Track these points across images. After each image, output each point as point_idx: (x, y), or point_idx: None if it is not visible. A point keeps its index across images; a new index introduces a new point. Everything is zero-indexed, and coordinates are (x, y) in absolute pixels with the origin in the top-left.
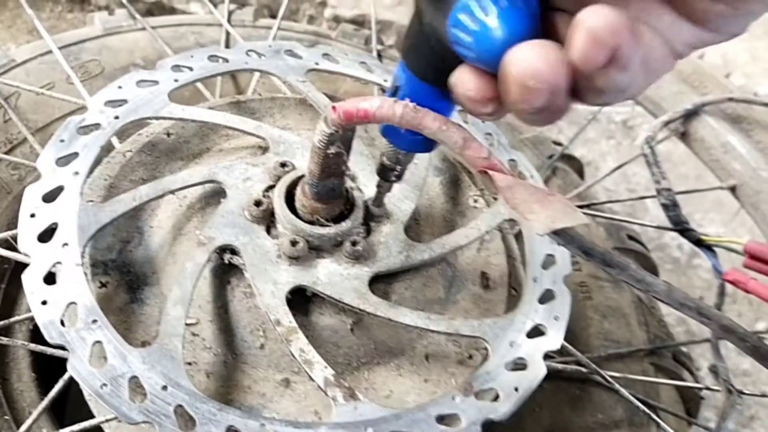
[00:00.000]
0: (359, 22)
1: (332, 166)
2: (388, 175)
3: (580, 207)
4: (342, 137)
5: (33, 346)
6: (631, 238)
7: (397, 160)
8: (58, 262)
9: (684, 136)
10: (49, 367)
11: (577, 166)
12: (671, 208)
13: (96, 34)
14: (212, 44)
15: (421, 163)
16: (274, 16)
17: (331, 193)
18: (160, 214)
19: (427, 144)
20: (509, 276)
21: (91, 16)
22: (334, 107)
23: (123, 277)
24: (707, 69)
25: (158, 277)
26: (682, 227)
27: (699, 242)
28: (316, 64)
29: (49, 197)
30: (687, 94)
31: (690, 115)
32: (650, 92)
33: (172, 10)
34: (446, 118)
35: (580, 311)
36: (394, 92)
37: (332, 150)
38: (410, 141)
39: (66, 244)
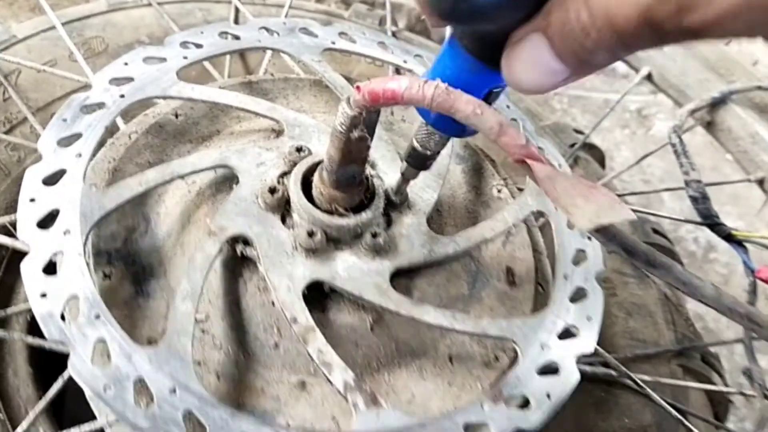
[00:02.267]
0: (370, 2)
1: (354, 151)
2: (418, 161)
3: None
4: (366, 120)
5: (31, 339)
6: (656, 231)
7: (430, 144)
8: (59, 252)
9: (710, 126)
10: (47, 362)
11: (599, 156)
12: (701, 200)
13: (100, 9)
14: (220, 21)
15: (444, 149)
16: None
17: (351, 180)
18: (167, 200)
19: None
20: (536, 271)
21: None
22: (358, 87)
23: (128, 268)
24: (734, 56)
25: (165, 269)
26: (711, 221)
27: (729, 237)
28: (333, 43)
29: (51, 180)
30: (713, 82)
31: (717, 103)
32: (675, 80)
33: None
34: (481, 101)
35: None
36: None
37: (355, 134)
38: (452, 123)
39: (68, 232)
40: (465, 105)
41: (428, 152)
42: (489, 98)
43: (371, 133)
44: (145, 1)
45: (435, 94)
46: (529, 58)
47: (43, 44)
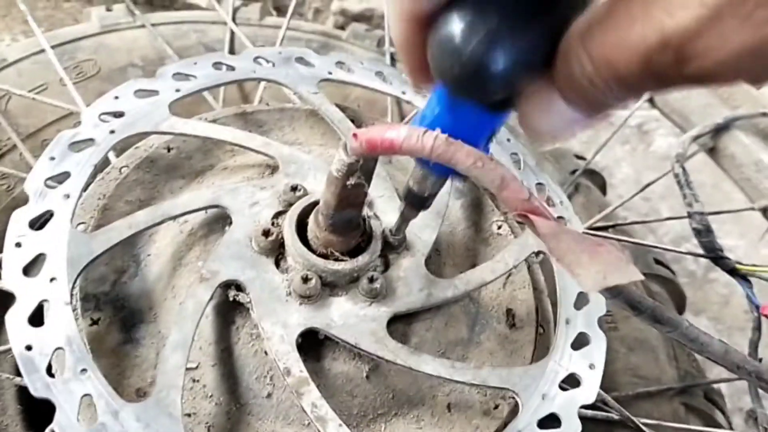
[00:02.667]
0: (367, 16)
1: (350, 197)
2: (416, 201)
3: (603, 228)
4: (363, 167)
5: (19, 380)
6: (658, 262)
7: (426, 185)
8: (45, 300)
9: (712, 152)
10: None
11: (600, 182)
12: (704, 233)
13: (92, 31)
14: (216, 43)
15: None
16: (279, 8)
17: (348, 224)
18: (158, 241)
19: None
20: (536, 312)
21: (87, 12)
22: (355, 135)
23: (116, 313)
24: None
25: (155, 314)
26: (715, 254)
27: (733, 271)
28: (330, 73)
29: (37, 224)
30: (716, 107)
31: (720, 129)
32: (678, 104)
33: (173, 0)
34: (481, 153)
35: None
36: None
37: (352, 181)
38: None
39: (54, 279)
40: (465, 157)
41: (425, 193)
42: (489, 138)
43: (368, 180)
44: (139, 23)
45: (435, 145)
46: (546, 109)
47: (34, 68)
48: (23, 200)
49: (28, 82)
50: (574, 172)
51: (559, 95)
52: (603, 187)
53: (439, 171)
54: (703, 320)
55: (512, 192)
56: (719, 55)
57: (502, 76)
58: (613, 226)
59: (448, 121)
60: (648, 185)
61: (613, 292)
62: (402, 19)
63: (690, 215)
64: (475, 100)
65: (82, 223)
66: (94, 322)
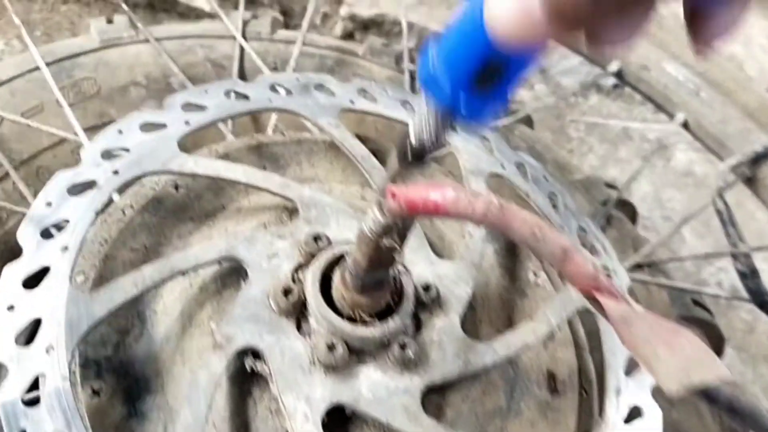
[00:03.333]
0: (378, 22)
1: (383, 257)
2: (415, 156)
3: (639, 267)
4: (399, 228)
5: None
6: (696, 303)
7: (435, 137)
8: (41, 374)
9: (750, 182)
10: None
11: (630, 212)
12: (749, 276)
13: (92, 46)
14: (224, 60)
15: (477, 233)
16: (285, 12)
17: (378, 285)
18: (165, 296)
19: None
20: (579, 373)
21: (87, 24)
22: (393, 194)
23: (120, 382)
24: None
25: (163, 382)
26: (762, 299)
27: None
28: (351, 102)
29: (32, 282)
30: (755, 133)
31: (759, 158)
32: (713, 129)
33: (175, 3)
34: (540, 221)
35: None
36: None
37: (386, 242)
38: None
39: (51, 348)
40: (522, 226)
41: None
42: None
43: (404, 240)
44: (142, 37)
45: (487, 212)
46: None
47: (28, 87)
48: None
49: (22, 103)
50: (605, 202)
51: None
52: (633, 217)
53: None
54: (727, 349)
55: (576, 267)
56: None
57: None
58: (649, 265)
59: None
60: (685, 221)
61: (708, 396)
62: None
63: (734, 256)
64: None
65: (82, 272)
66: (95, 393)
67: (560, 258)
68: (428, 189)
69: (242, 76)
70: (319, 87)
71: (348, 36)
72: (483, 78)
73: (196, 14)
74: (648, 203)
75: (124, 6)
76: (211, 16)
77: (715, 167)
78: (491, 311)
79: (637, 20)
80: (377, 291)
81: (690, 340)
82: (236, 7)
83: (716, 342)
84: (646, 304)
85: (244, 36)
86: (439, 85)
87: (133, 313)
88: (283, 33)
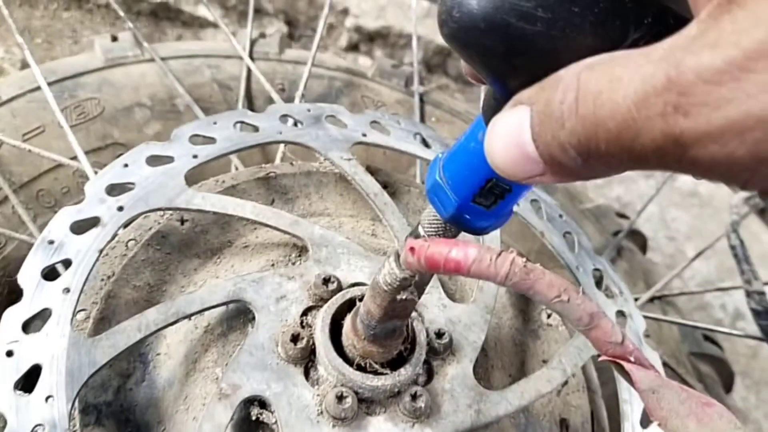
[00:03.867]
0: (384, 34)
1: (398, 309)
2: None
3: (651, 301)
4: (417, 282)
5: None
6: (707, 338)
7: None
8: (40, 425)
9: (763, 213)
10: None
11: (641, 242)
12: (764, 315)
13: (96, 65)
14: (231, 81)
15: None
16: (290, 22)
17: (391, 334)
18: (169, 337)
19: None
20: (591, 420)
21: (90, 41)
22: (412, 248)
23: (120, 428)
24: None
25: (165, 429)
26: None
27: None
28: (364, 135)
29: (32, 326)
30: None
31: None
32: None
33: (179, 12)
34: (567, 283)
35: None
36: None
37: (403, 296)
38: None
39: (51, 397)
40: (547, 288)
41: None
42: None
43: (421, 293)
44: (147, 56)
45: (511, 273)
46: (510, 130)
47: (30, 107)
48: (15, 259)
49: (23, 124)
50: (616, 233)
51: (530, 123)
52: (644, 247)
53: (468, 224)
54: None
55: (603, 333)
56: (731, 114)
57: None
58: (660, 298)
59: (472, 145)
60: (700, 253)
61: None
62: None
63: (748, 294)
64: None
65: (83, 310)
66: None
67: (587, 323)
68: (450, 246)
69: (249, 97)
70: (331, 118)
71: (353, 47)
72: (486, 195)
73: (200, 23)
74: (653, 223)
75: (128, 24)
76: (215, 25)
77: (720, 188)
78: (504, 355)
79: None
80: (390, 340)
81: (720, 413)
82: (241, 16)
83: (726, 377)
84: (657, 338)
85: (251, 56)
86: (445, 196)
87: (135, 356)
88: (291, 53)
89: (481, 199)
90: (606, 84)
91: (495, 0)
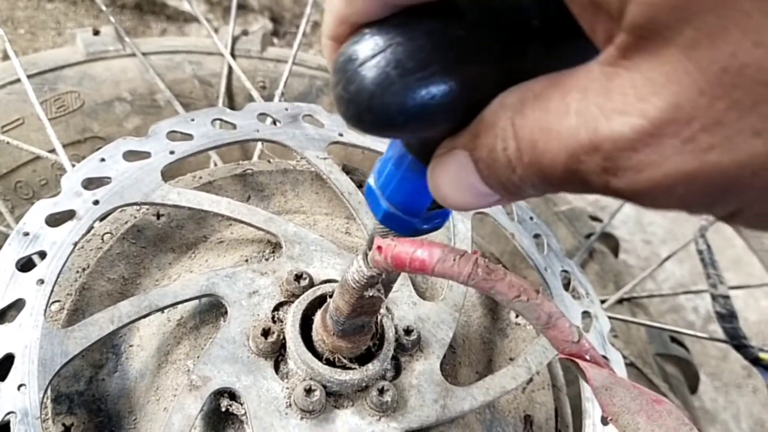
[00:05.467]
0: None
1: (366, 306)
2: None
3: (620, 302)
4: (384, 280)
5: None
6: (673, 340)
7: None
8: (12, 412)
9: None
10: None
11: (613, 245)
12: (727, 318)
13: (77, 59)
14: (212, 77)
15: None
16: (275, 19)
17: (359, 330)
18: (142, 330)
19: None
20: (556, 417)
21: (72, 34)
22: (379, 247)
23: (92, 418)
24: None
25: (136, 419)
26: (739, 342)
27: (756, 361)
28: (340, 135)
29: (6, 316)
30: None
31: None
32: None
33: (163, 6)
34: (527, 285)
35: None
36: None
37: (370, 293)
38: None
39: (23, 386)
40: (508, 288)
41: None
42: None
43: (389, 291)
44: (128, 51)
45: (473, 273)
46: (455, 176)
47: (10, 99)
48: None
49: (2, 116)
50: (588, 235)
51: (474, 168)
52: (616, 250)
53: (397, 227)
54: (701, 375)
55: (560, 332)
56: (652, 176)
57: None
58: (629, 300)
59: (396, 172)
60: (667, 258)
61: None
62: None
63: (714, 297)
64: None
65: (57, 302)
66: (67, 429)
67: (545, 322)
68: (416, 246)
69: (230, 94)
70: (308, 117)
71: None
72: (433, 207)
73: (185, 18)
74: (629, 226)
75: (111, 18)
76: (199, 20)
77: None
78: (471, 353)
79: None
80: (358, 336)
81: (669, 410)
82: (226, 11)
83: (691, 378)
84: (625, 339)
85: (233, 53)
86: (378, 203)
87: (108, 347)
88: (273, 50)
89: (428, 210)
90: (539, 134)
91: (379, 80)
